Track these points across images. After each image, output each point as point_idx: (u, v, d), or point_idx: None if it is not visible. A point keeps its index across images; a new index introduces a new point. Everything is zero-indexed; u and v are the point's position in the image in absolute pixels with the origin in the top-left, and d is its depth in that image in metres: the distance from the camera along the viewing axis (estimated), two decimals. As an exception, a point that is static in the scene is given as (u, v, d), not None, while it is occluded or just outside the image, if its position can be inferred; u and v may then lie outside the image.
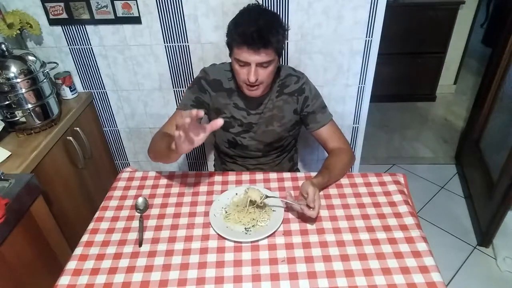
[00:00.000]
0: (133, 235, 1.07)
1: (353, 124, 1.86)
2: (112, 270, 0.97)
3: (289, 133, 1.38)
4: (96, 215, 1.16)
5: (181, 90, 1.80)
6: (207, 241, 1.04)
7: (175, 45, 1.66)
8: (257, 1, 1.19)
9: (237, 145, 1.38)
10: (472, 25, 2.97)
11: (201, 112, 0.91)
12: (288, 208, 1.13)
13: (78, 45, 1.67)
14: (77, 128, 1.65)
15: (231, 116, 1.32)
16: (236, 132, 1.35)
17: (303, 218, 1.10)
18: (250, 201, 1.11)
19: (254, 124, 1.33)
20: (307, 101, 1.30)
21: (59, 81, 1.67)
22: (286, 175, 1.29)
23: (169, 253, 1.01)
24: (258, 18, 1.09)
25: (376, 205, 1.15)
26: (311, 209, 1.03)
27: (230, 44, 1.14)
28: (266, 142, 1.36)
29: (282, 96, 1.31)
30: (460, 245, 1.98)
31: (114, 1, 1.53)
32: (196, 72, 1.73)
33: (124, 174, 1.33)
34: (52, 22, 1.60)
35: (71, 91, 1.72)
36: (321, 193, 1.18)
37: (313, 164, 1.99)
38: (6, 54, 1.39)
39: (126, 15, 1.57)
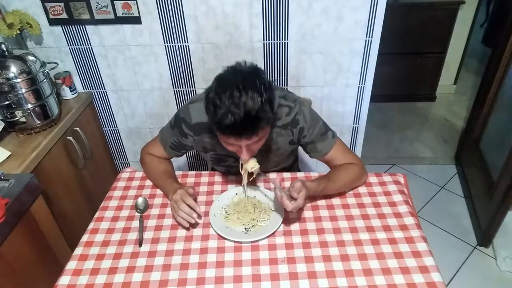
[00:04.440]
0: (133, 235, 1.07)
1: (353, 124, 1.86)
2: (112, 270, 0.97)
3: (288, 159, 1.33)
4: (96, 215, 1.16)
5: (181, 90, 1.80)
6: (207, 241, 1.04)
7: (175, 45, 1.66)
8: (239, 63, 0.98)
9: (233, 172, 1.29)
10: (472, 25, 2.97)
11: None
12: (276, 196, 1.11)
13: (78, 45, 1.67)
14: (77, 128, 1.65)
15: (223, 154, 1.21)
16: (229, 164, 1.27)
17: (302, 218, 1.10)
18: (251, 203, 1.13)
19: None
20: (303, 132, 1.17)
21: (59, 81, 1.67)
22: (286, 175, 1.29)
23: (169, 253, 1.01)
24: (243, 103, 0.88)
25: (376, 205, 1.15)
26: (292, 201, 0.98)
27: (213, 128, 0.98)
28: (264, 168, 1.21)
29: (274, 129, 1.16)
30: (460, 245, 1.97)
31: (114, 1, 1.54)
32: (196, 73, 1.74)
33: (124, 174, 1.33)
34: (52, 22, 1.60)
35: (71, 91, 1.72)
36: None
37: (313, 165, 1.99)
38: (6, 54, 1.39)
39: (126, 15, 1.57)
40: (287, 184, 1.25)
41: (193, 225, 1.08)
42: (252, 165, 1.08)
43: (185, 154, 1.33)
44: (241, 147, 0.99)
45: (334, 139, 1.19)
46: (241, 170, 1.12)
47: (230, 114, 0.88)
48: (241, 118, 0.88)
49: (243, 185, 1.15)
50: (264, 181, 1.27)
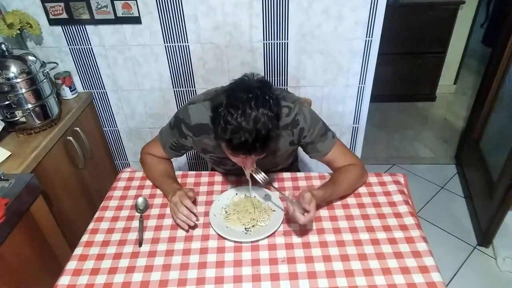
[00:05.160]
0: (133, 235, 1.07)
1: (353, 124, 1.86)
2: (112, 270, 0.97)
3: (287, 160, 1.33)
4: (96, 215, 1.16)
5: (181, 90, 1.80)
6: (207, 241, 1.04)
7: (175, 45, 1.66)
8: (247, 76, 0.97)
9: (231, 174, 1.32)
10: (472, 25, 2.97)
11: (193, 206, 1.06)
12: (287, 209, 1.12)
13: (78, 45, 1.67)
14: (77, 128, 1.65)
15: (222, 157, 1.20)
16: (228, 168, 1.28)
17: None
18: (251, 203, 1.13)
19: None
20: (303, 132, 1.16)
21: (59, 81, 1.67)
22: (286, 175, 1.29)
23: (169, 253, 1.01)
24: (255, 122, 0.89)
25: (376, 205, 1.15)
26: (304, 214, 0.98)
27: (221, 144, 0.98)
28: (263, 169, 1.21)
29: None
30: (460, 245, 1.98)
31: (114, 1, 1.53)
32: (196, 73, 1.74)
33: (124, 174, 1.33)
34: (52, 22, 1.60)
35: (71, 91, 1.72)
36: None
37: (313, 165, 1.99)
38: (6, 54, 1.39)
39: (126, 15, 1.57)
40: (287, 184, 1.25)
41: (193, 227, 1.08)
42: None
43: (185, 154, 1.33)
44: (247, 159, 0.99)
45: (334, 140, 1.19)
46: (248, 177, 1.11)
47: (242, 133, 0.88)
48: (253, 138, 0.89)
49: (249, 187, 1.14)
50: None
